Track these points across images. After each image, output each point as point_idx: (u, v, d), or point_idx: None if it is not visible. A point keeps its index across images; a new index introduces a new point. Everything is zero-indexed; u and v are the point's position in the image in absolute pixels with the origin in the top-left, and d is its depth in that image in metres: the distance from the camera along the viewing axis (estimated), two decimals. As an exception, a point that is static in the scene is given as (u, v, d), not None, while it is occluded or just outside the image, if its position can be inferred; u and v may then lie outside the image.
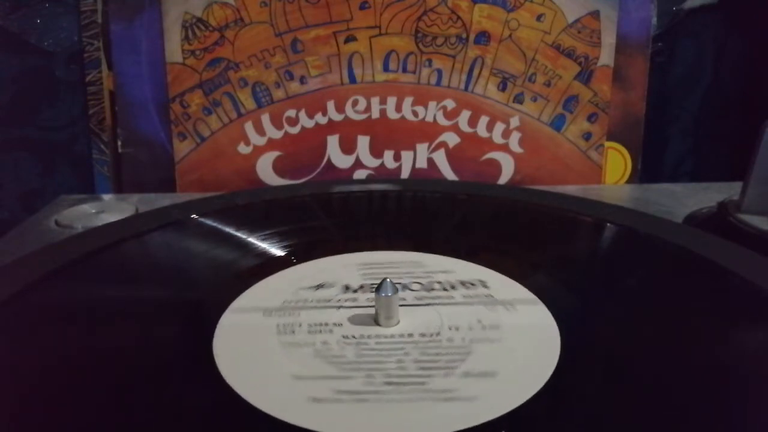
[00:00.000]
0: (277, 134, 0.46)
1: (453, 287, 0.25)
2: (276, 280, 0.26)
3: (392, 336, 0.22)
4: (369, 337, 0.22)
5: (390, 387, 0.19)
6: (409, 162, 0.47)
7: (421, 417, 0.18)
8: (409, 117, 0.46)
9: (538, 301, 0.24)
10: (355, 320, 0.23)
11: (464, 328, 0.22)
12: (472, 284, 0.26)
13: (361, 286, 0.25)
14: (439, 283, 0.26)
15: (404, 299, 0.24)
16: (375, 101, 0.46)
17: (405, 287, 0.25)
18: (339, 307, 0.24)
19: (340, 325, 0.23)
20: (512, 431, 0.17)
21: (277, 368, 0.20)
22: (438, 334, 0.22)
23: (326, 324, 0.23)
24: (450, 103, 0.46)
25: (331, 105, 0.46)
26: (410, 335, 0.22)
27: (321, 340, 0.22)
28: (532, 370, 0.20)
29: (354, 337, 0.22)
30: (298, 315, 0.23)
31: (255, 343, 0.22)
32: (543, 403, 0.18)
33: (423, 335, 0.22)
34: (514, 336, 0.22)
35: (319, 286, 0.26)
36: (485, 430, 0.17)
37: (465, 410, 0.18)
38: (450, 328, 0.22)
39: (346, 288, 0.25)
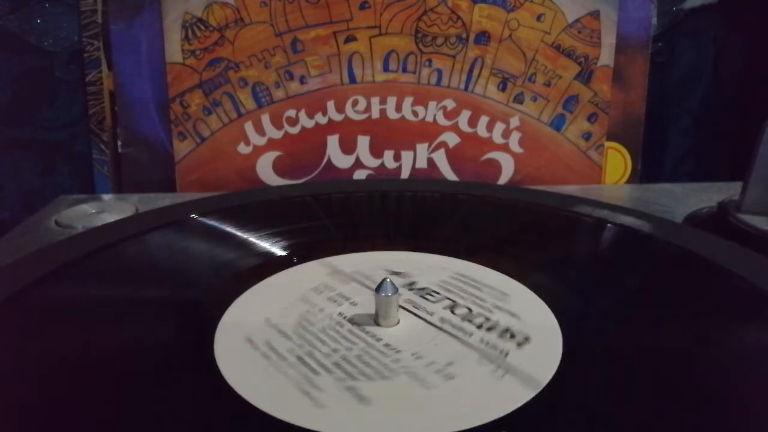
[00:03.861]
0: (277, 134, 0.46)
1: (490, 329, 0.23)
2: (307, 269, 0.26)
3: (369, 333, 0.22)
4: (356, 326, 0.22)
5: (295, 361, 0.20)
6: (409, 162, 0.47)
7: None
8: (409, 117, 0.46)
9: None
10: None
11: (424, 361, 0.21)
12: (513, 336, 0.22)
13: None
14: (487, 319, 0.23)
15: (432, 314, 0.24)
16: (375, 101, 0.46)
17: (452, 308, 0.24)
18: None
19: (355, 304, 0.24)
20: (514, 431, 0.17)
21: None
22: (398, 351, 0.21)
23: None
24: (450, 103, 0.46)
25: (331, 105, 0.46)
26: (379, 339, 0.22)
27: (321, 307, 0.23)
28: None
29: (344, 317, 0.23)
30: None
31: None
32: (545, 403, 0.18)
33: (387, 345, 0.21)
34: (455, 392, 0.19)
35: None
36: (486, 430, 0.17)
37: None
38: (413, 354, 0.21)
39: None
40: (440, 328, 0.23)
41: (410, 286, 0.26)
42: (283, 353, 0.21)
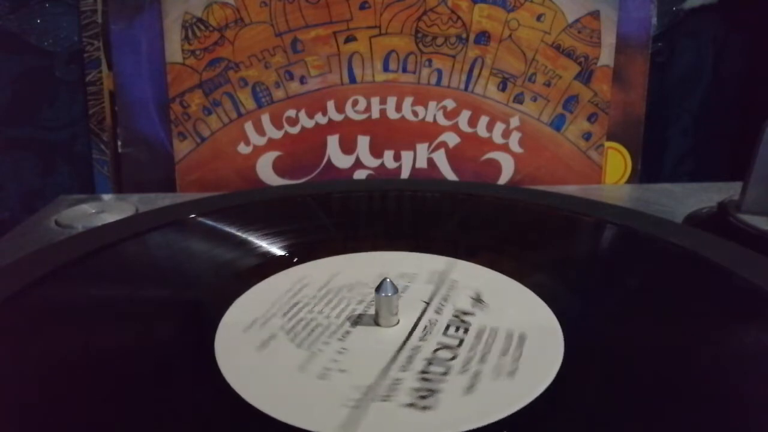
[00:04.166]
0: (277, 134, 0.46)
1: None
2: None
3: (371, 333, 0.22)
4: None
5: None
6: (409, 162, 0.47)
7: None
8: (409, 117, 0.46)
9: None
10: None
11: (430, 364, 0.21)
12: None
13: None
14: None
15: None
16: (375, 101, 0.46)
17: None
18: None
19: (348, 333, 0.22)
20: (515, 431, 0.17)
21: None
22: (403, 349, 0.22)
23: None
24: (450, 103, 0.46)
25: (331, 105, 0.46)
26: (383, 339, 0.22)
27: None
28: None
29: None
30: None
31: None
32: (547, 403, 0.18)
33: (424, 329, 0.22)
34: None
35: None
36: (487, 431, 0.17)
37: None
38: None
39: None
40: (439, 325, 0.23)
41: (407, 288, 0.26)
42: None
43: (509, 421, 0.18)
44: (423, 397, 0.19)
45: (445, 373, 0.20)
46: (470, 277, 0.26)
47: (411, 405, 0.18)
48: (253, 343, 0.22)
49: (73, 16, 0.45)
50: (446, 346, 0.21)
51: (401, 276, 0.26)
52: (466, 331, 0.22)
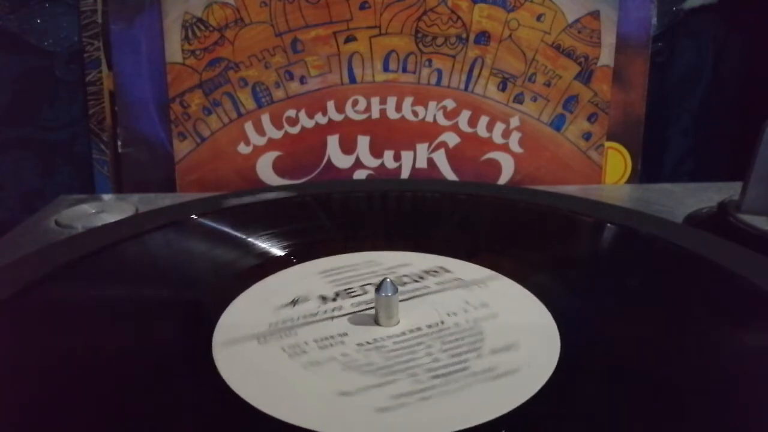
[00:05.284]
0: (277, 134, 0.46)
1: (421, 278, 0.26)
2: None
3: (403, 333, 0.22)
4: (382, 339, 0.22)
5: (439, 380, 0.19)
6: (409, 162, 0.47)
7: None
8: (409, 117, 0.46)
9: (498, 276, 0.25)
10: (356, 320, 0.23)
11: (460, 311, 0.23)
12: (435, 272, 0.27)
13: (337, 294, 0.25)
14: (407, 276, 0.26)
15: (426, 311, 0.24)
16: (375, 101, 0.46)
17: (441, 307, 0.24)
18: (332, 318, 0.24)
19: (346, 334, 0.22)
20: (512, 431, 0.17)
21: (311, 388, 0.19)
22: (442, 322, 0.23)
23: (332, 336, 0.22)
24: (450, 103, 0.46)
25: (331, 105, 0.46)
26: (418, 329, 0.22)
27: (339, 352, 0.21)
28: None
29: (368, 342, 0.22)
30: (296, 334, 0.22)
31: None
32: (543, 403, 0.18)
33: (429, 326, 0.22)
34: (504, 308, 0.24)
35: (295, 302, 0.25)
36: (485, 431, 0.17)
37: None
38: (448, 314, 0.23)
39: (324, 298, 0.25)
40: (440, 325, 0.23)
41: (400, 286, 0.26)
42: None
43: (505, 421, 0.18)
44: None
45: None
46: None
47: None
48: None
49: (73, 16, 0.45)
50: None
51: (364, 277, 0.26)
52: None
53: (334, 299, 0.25)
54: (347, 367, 0.20)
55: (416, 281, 0.26)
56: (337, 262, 0.28)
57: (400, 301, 0.23)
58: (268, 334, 0.22)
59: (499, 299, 0.25)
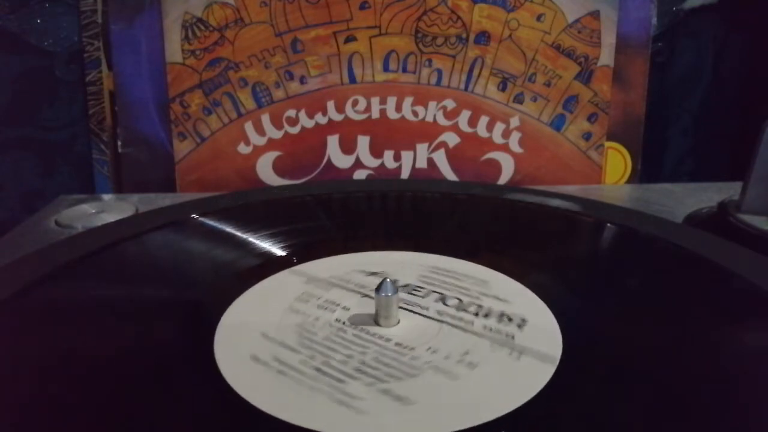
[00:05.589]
0: (277, 134, 0.46)
1: (486, 315, 0.23)
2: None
3: (375, 335, 0.22)
4: (382, 339, 0.22)
5: (315, 373, 0.20)
6: (409, 162, 0.47)
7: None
8: (409, 117, 0.46)
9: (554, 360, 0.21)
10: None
11: (441, 354, 0.21)
12: (510, 319, 0.23)
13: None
14: (480, 307, 0.24)
15: (427, 308, 0.24)
16: (375, 101, 0.46)
17: (443, 300, 0.24)
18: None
19: (347, 308, 0.23)
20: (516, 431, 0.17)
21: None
22: (412, 348, 0.21)
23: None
24: (450, 103, 0.46)
25: (331, 105, 0.46)
26: (388, 340, 0.22)
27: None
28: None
29: (343, 323, 0.23)
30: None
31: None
32: (544, 404, 0.18)
33: (398, 344, 0.22)
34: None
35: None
36: (485, 431, 0.17)
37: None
38: (428, 349, 0.21)
39: (326, 300, 0.25)
40: (441, 321, 0.23)
41: (449, 300, 0.25)
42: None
43: (506, 421, 0.18)
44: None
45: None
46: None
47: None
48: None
49: (73, 16, 0.45)
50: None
51: (405, 276, 0.26)
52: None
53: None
54: (299, 327, 0.21)
55: (475, 315, 0.24)
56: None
57: (428, 317, 0.23)
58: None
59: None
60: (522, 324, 0.23)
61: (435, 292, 0.25)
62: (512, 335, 0.22)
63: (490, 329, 0.22)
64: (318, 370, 0.20)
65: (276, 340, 0.22)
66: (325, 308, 0.24)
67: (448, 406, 0.18)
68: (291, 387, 0.19)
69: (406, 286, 0.26)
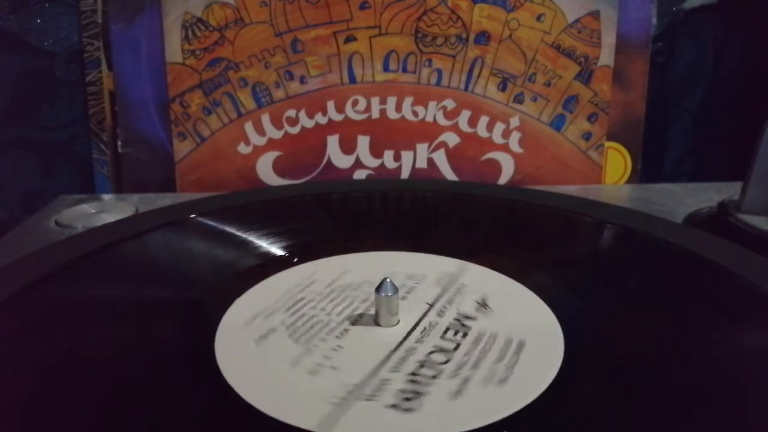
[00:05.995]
0: (277, 134, 0.46)
1: (485, 333, 0.22)
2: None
3: (375, 334, 0.22)
4: (383, 339, 0.22)
5: (441, 380, 0.20)
6: (409, 162, 0.47)
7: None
8: (409, 117, 0.46)
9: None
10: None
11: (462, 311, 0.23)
12: (510, 339, 0.22)
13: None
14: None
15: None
16: (375, 101, 0.46)
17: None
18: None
19: (348, 308, 0.23)
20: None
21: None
22: (443, 322, 0.23)
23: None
24: (450, 103, 0.46)
25: (331, 105, 0.46)
26: (420, 330, 0.22)
27: (316, 316, 0.22)
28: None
29: (344, 323, 0.23)
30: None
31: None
32: (547, 404, 0.18)
33: (430, 326, 0.23)
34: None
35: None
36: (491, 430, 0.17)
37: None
38: (449, 314, 0.23)
39: (324, 300, 0.25)
40: (439, 328, 0.23)
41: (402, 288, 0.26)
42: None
43: (509, 422, 0.18)
44: (407, 399, 0.19)
45: (434, 377, 0.20)
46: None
47: (394, 406, 0.18)
48: (252, 337, 0.22)
49: (73, 16, 0.45)
50: (442, 350, 0.21)
51: (408, 276, 0.26)
52: (465, 335, 0.22)
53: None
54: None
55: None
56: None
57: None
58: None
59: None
60: (522, 345, 0.22)
61: (439, 301, 0.25)
62: (512, 335, 0.22)
63: (491, 331, 0.22)
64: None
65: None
66: (325, 309, 0.24)
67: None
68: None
69: (413, 289, 0.26)
